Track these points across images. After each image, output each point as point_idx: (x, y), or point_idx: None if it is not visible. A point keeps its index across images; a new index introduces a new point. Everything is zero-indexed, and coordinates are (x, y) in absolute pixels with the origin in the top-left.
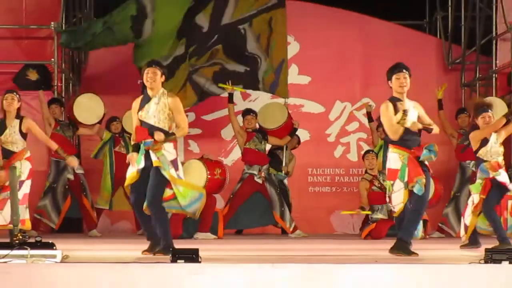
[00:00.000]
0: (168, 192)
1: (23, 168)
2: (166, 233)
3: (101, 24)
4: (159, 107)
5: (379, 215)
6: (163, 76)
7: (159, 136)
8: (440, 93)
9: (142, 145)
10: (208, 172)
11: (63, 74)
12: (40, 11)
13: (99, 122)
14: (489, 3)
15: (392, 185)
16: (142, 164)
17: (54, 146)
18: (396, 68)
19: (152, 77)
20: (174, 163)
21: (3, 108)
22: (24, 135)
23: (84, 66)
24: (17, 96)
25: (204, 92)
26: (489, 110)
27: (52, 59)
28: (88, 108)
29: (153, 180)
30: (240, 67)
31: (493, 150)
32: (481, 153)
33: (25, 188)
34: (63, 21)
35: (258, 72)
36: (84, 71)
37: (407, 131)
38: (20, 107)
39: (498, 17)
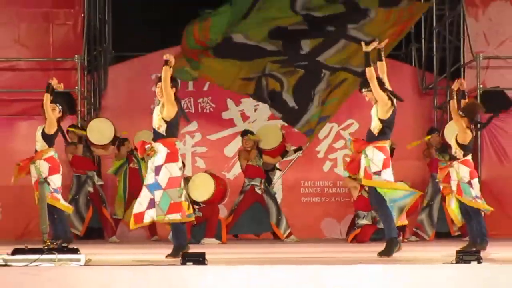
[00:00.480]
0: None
1: (41, 167)
2: (177, 235)
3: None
4: (157, 109)
5: (364, 221)
6: (173, 89)
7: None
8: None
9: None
10: (215, 183)
11: (86, 101)
12: (65, 46)
13: (112, 144)
14: (457, 36)
15: None
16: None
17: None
18: None
19: (160, 93)
20: (157, 169)
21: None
22: (46, 137)
23: (103, 93)
24: (59, 107)
25: (258, 96)
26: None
27: (76, 87)
28: (99, 131)
29: None
30: (292, 102)
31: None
32: None
33: (56, 182)
34: (85, 54)
35: (304, 114)
36: (104, 98)
37: None
38: (60, 117)
39: (465, 47)
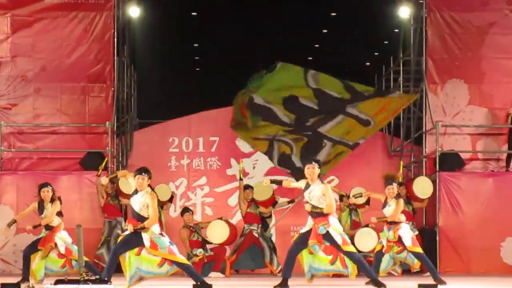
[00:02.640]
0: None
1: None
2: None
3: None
4: (141, 200)
5: None
6: (149, 180)
7: (130, 227)
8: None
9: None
10: (229, 230)
11: (115, 159)
12: (98, 114)
13: None
14: (420, 107)
15: None
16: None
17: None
18: None
19: (141, 183)
20: (161, 235)
21: None
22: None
23: (129, 153)
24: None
25: (270, 155)
26: (393, 183)
27: (107, 148)
28: (129, 184)
29: None
30: (299, 163)
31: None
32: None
33: None
34: (115, 121)
35: None
36: (129, 157)
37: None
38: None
39: (426, 117)
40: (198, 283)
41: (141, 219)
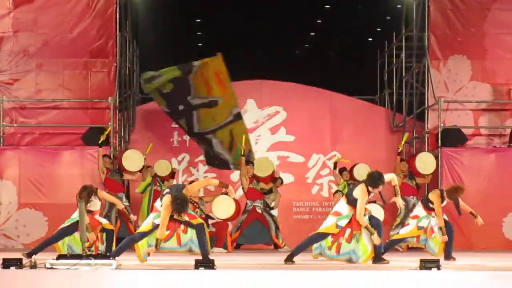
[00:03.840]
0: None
1: None
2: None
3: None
4: None
5: None
6: None
7: None
8: (400, 147)
9: None
10: (235, 204)
11: (117, 134)
12: (100, 89)
13: (140, 171)
14: (422, 83)
15: None
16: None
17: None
18: None
19: None
20: None
21: None
22: None
23: (132, 128)
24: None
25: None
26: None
27: (109, 124)
28: (132, 159)
29: None
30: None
31: None
32: None
33: None
34: (117, 96)
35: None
36: (132, 132)
37: None
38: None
39: (429, 93)
40: (203, 257)
41: None
